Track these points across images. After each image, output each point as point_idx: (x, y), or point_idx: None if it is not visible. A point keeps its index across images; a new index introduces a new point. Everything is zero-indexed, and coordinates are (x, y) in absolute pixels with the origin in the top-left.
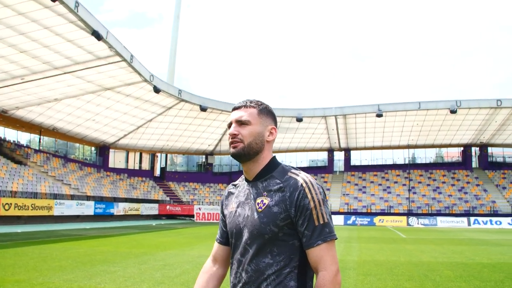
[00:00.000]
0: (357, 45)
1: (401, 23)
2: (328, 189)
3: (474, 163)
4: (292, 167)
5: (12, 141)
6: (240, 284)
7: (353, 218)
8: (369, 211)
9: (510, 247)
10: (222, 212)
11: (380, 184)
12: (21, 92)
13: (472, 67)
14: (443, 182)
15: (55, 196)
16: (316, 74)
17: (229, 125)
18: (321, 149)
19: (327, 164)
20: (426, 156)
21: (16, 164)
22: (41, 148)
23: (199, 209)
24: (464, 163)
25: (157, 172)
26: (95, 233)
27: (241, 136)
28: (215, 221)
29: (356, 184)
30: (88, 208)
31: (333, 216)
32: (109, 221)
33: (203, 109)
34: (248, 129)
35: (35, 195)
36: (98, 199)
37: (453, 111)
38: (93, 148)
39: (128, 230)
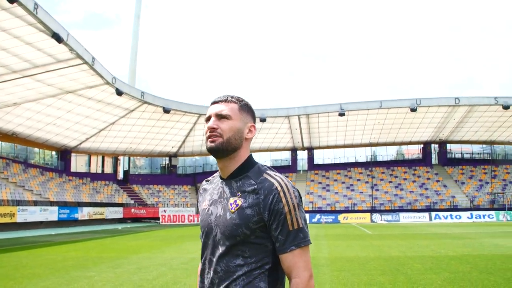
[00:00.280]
0: (316, 45)
1: (360, 24)
2: None
3: (434, 159)
4: (268, 167)
5: None
6: (209, 284)
7: (318, 216)
8: (333, 209)
9: (471, 240)
10: (198, 209)
11: (343, 182)
12: None
13: (429, 67)
14: (405, 179)
15: (18, 203)
16: (278, 73)
17: (207, 119)
18: (284, 149)
19: (290, 164)
20: (387, 153)
21: None
22: None
23: (164, 211)
24: (424, 160)
25: (120, 175)
26: (62, 238)
27: (220, 131)
28: (180, 223)
29: (320, 183)
30: (52, 213)
31: None
32: (74, 226)
33: (166, 111)
34: (228, 123)
35: None
36: (62, 204)
37: (413, 110)
38: (53, 153)
39: (95, 235)
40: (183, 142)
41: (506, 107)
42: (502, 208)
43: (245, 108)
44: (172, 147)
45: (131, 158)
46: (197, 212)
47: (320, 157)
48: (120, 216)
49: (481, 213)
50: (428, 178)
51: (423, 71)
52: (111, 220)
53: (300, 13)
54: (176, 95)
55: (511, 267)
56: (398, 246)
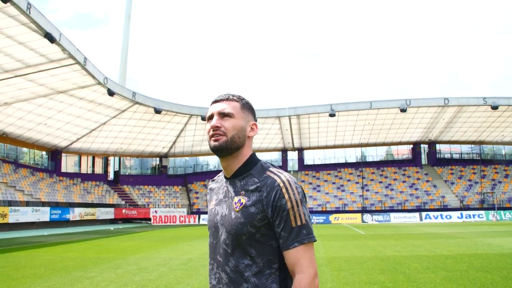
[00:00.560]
0: (307, 44)
1: (351, 24)
2: None
3: (423, 159)
4: (271, 165)
5: None
6: (220, 285)
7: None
8: (324, 209)
9: (464, 239)
10: None
11: (334, 183)
12: None
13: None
14: (395, 179)
15: (10, 203)
16: (268, 73)
17: (209, 118)
18: (274, 149)
19: (281, 164)
20: (377, 154)
21: None
22: None
23: (156, 212)
24: (414, 160)
25: (111, 176)
26: (56, 239)
27: (224, 129)
28: (172, 223)
29: (311, 183)
30: (44, 214)
31: None
32: (65, 227)
33: (158, 111)
34: (231, 122)
35: None
36: (54, 205)
37: (403, 110)
38: (44, 153)
39: (88, 236)
40: (174, 142)
41: (494, 108)
42: (491, 207)
43: (247, 106)
44: (163, 147)
45: (121, 158)
46: (191, 213)
47: (310, 157)
48: (112, 216)
49: (471, 212)
50: (418, 179)
51: (413, 71)
52: (102, 221)
53: (291, 12)
54: (165, 95)
55: (506, 265)
56: (393, 246)
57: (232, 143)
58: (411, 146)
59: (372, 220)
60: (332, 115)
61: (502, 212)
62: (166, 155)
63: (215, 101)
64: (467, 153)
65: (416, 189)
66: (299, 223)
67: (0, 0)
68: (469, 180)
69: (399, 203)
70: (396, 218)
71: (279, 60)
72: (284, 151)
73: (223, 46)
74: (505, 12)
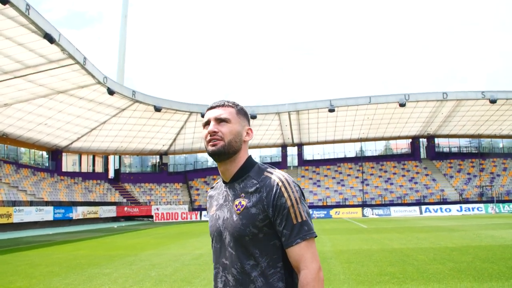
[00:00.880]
0: (306, 40)
1: (349, 19)
2: None
3: (422, 154)
4: (268, 165)
5: None
6: (224, 286)
7: (309, 211)
8: (324, 204)
9: (467, 232)
10: None
11: (333, 178)
12: None
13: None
14: (394, 173)
15: (14, 203)
16: (267, 69)
17: (205, 124)
18: (274, 145)
19: (280, 160)
20: (376, 148)
21: None
22: None
23: (157, 209)
24: (413, 154)
25: (111, 174)
26: (62, 238)
27: (221, 134)
28: (174, 220)
29: (311, 178)
30: (47, 213)
31: None
32: (68, 225)
33: (158, 109)
34: (228, 127)
35: None
36: (57, 204)
37: (402, 105)
38: (44, 153)
39: (93, 234)
40: (174, 140)
41: (493, 101)
42: (490, 200)
43: (242, 112)
44: (163, 145)
45: (121, 156)
46: (192, 210)
47: (310, 153)
48: (114, 214)
49: (470, 205)
50: (417, 172)
51: (411, 65)
52: (105, 219)
53: (290, 8)
54: (162, 93)
55: (511, 256)
56: (398, 239)
57: (230, 148)
58: (410, 140)
59: (373, 214)
60: (331, 110)
61: (501, 205)
62: (166, 153)
63: (211, 108)
64: (465, 147)
65: (416, 183)
66: (299, 220)
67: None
68: (468, 174)
69: (399, 197)
70: (396, 212)
71: (277, 56)
72: (283, 146)
73: (220, 43)
74: (502, 7)
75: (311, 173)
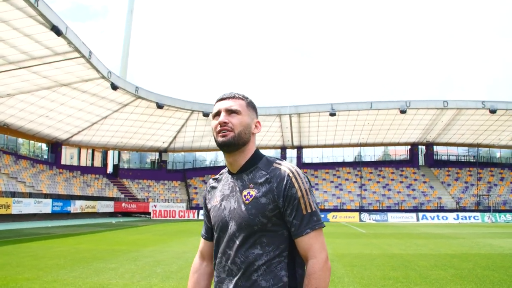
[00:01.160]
0: (308, 42)
1: (351, 23)
2: None
3: (421, 161)
4: (276, 158)
5: None
6: (230, 277)
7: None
8: (322, 207)
9: (465, 239)
10: (206, 207)
11: (332, 181)
12: None
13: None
14: (392, 180)
15: (13, 194)
16: (268, 70)
17: (216, 115)
18: (274, 147)
19: None
20: (374, 154)
21: None
22: None
23: (155, 206)
24: (411, 161)
25: (110, 169)
26: (61, 231)
27: (232, 125)
28: (171, 218)
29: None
30: (46, 206)
31: None
32: (66, 219)
33: (160, 106)
34: (238, 118)
35: None
36: (55, 197)
37: (402, 111)
38: (43, 145)
39: (93, 228)
40: (175, 137)
41: (492, 111)
42: (487, 210)
43: (251, 104)
44: (163, 142)
45: (120, 152)
46: (190, 208)
47: (309, 156)
48: (111, 210)
49: (467, 214)
50: (415, 179)
51: (412, 72)
52: (102, 214)
53: (292, 10)
54: (164, 91)
55: (511, 265)
56: (397, 244)
57: (239, 139)
58: (409, 147)
59: (370, 219)
60: (332, 114)
61: (497, 214)
62: (165, 150)
63: (221, 99)
64: (463, 155)
65: (413, 189)
66: (309, 210)
67: None
68: (465, 182)
69: (396, 203)
70: (393, 218)
71: (279, 58)
72: (283, 149)
73: (223, 42)
74: (503, 15)
75: (309, 176)
